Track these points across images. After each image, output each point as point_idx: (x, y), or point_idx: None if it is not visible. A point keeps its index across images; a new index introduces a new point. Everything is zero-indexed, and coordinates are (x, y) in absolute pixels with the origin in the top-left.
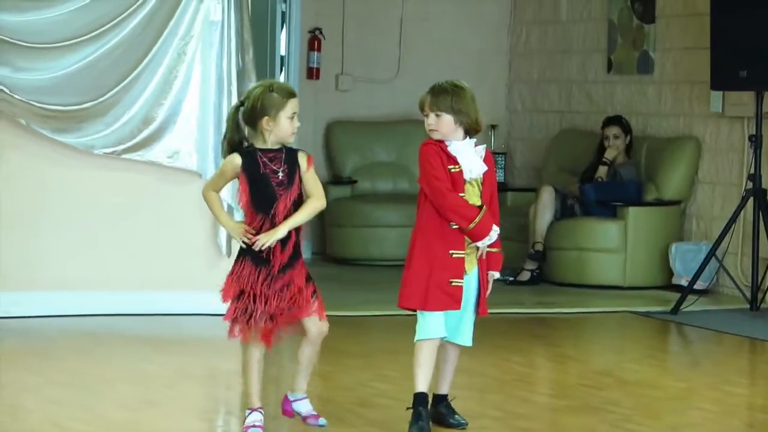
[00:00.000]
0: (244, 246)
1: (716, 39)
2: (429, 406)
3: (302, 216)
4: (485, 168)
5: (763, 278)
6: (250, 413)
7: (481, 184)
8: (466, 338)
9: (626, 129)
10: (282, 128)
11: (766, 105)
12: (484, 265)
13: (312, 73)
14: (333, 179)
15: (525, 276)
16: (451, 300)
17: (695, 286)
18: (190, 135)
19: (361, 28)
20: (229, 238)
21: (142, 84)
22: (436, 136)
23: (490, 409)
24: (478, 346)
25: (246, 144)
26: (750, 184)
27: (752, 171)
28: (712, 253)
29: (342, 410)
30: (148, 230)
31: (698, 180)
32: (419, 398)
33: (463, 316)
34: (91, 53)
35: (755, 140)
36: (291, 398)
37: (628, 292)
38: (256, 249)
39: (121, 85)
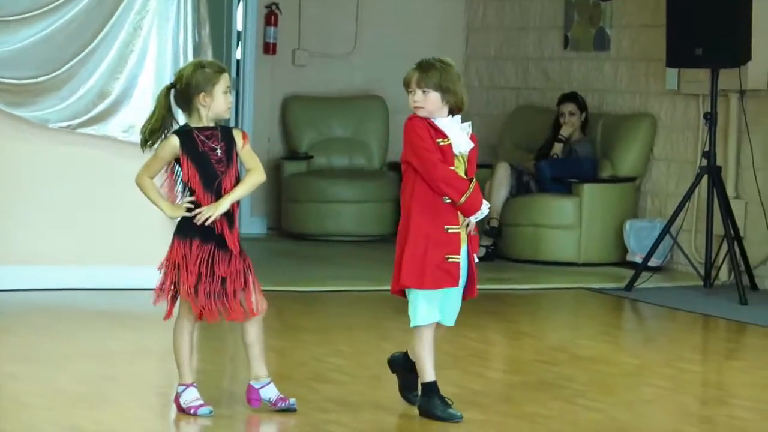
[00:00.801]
0: (192, 218)
1: (672, 16)
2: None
3: (243, 190)
4: (472, 145)
5: (716, 255)
6: (185, 389)
7: (467, 161)
8: (451, 319)
9: (582, 106)
10: (219, 103)
11: (722, 82)
12: (474, 244)
13: (269, 48)
14: (289, 154)
15: (480, 252)
16: (449, 277)
17: (649, 263)
18: (146, 109)
19: (318, 3)
20: None
21: (97, 58)
22: (421, 113)
23: (445, 385)
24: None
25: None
26: (704, 162)
27: (707, 148)
28: (666, 230)
29: (298, 386)
30: (104, 205)
31: (653, 157)
32: (432, 387)
33: (455, 296)
34: (46, 27)
35: (710, 118)
36: (256, 386)
37: (582, 269)
38: (199, 222)
39: (77, 58)
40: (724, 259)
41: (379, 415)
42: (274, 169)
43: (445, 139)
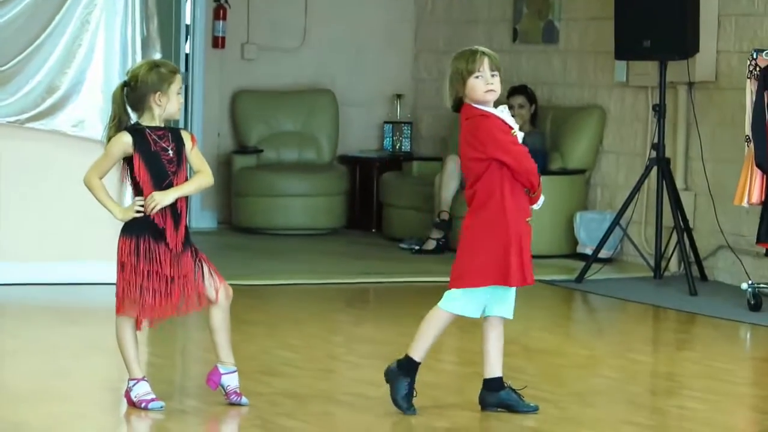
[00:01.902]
0: (141, 216)
1: (620, 9)
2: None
3: (191, 188)
4: (522, 134)
5: (666, 247)
6: (136, 384)
7: None
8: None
9: (531, 98)
10: (173, 103)
11: (670, 75)
12: None
13: (217, 42)
14: (239, 149)
15: (431, 245)
16: (530, 270)
17: (600, 255)
18: (95, 104)
19: None
20: None
21: (45, 52)
22: (492, 97)
23: None
24: (383, 315)
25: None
26: (654, 154)
27: (656, 140)
28: (616, 222)
29: (248, 379)
30: (53, 199)
31: (603, 149)
32: (413, 366)
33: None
34: None
35: (659, 110)
36: (222, 370)
37: (533, 261)
38: (148, 211)
39: (25, 53)
40: (673, 250)
41: (328, 407)
42: (224, 164)
43: (514, 131)
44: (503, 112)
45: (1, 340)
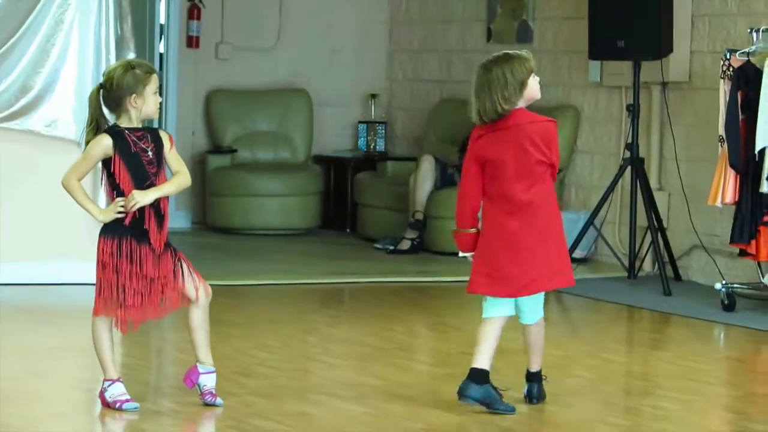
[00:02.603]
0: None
1: (594, 9)
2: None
3: (171, 188)
4: None
5: (640, 247)
6: (111, 384)
7: None
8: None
9: None
10: (149, 104)
11: (644, 75)
12: None
13: (192, 42)
14: (213, 148)
15: (405, 245)
16: None
17: (574, 255)
18: (69, 104)
19: None
20: None
21: (19, 52)
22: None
23: (370, 378)
24: (358, 315)
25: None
26: (628, 154)
27: (630, 140)
28: (590, 222)
29: (223, 379)
30: (27, 199)
31: (577, 149)
32: (483, 375)
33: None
34: None
35: (633, 110)
36: (201, 370)
37: None
38: (128, 207)
39: None
40: (647, 250)
41: (304, 407)
42: (198, 163)
43: None
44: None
45: None
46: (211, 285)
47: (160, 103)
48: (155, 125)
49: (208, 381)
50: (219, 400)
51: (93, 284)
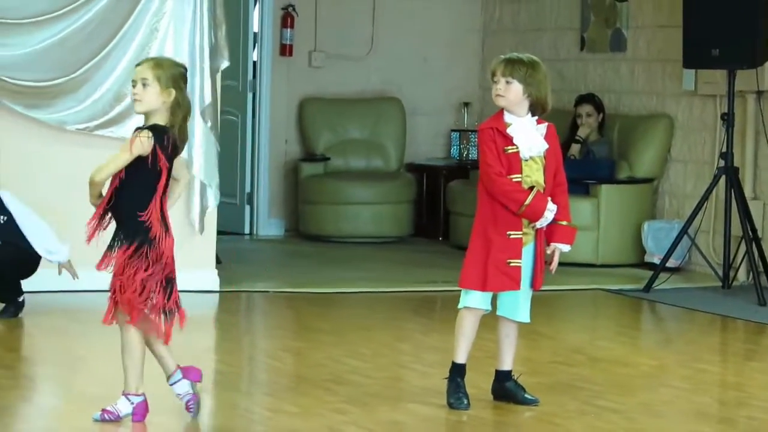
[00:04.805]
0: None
1: (689, 17)
2: (494, 382)
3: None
4: (546, 146)
5: (734, 256)
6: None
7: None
8: (523, 314)
9: (599, 107)
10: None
11: (739, 83)
12: (542, 238)
13: (285, 50)
14: (306, 156)
15: None
16: (510, 280)
17: (668, 264)
18: None
19: (334, 4)
20: (202, 214)
21: (114, 60)
22: (501, 102)
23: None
24: (450, 323)
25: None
26: (722, 162)
27: (724, 149)
28: (684, 231)
29: (315, 387)
30: None
31: (671, 158)
32: (458, 369)
33: (520, 292)
34: (63, 29)
35: (727, 118)
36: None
37: (600, 270)
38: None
39: (94, 61)
40: (742, 260)
41: (396, 416)
42: (291, 171)
43: (513, 147)
44: (526, 123)
45: (73, 346)
46: (303, 293)
47: (254, 110)
48: (249, 135)
49: (181, 388)
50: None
51: (186, 291)
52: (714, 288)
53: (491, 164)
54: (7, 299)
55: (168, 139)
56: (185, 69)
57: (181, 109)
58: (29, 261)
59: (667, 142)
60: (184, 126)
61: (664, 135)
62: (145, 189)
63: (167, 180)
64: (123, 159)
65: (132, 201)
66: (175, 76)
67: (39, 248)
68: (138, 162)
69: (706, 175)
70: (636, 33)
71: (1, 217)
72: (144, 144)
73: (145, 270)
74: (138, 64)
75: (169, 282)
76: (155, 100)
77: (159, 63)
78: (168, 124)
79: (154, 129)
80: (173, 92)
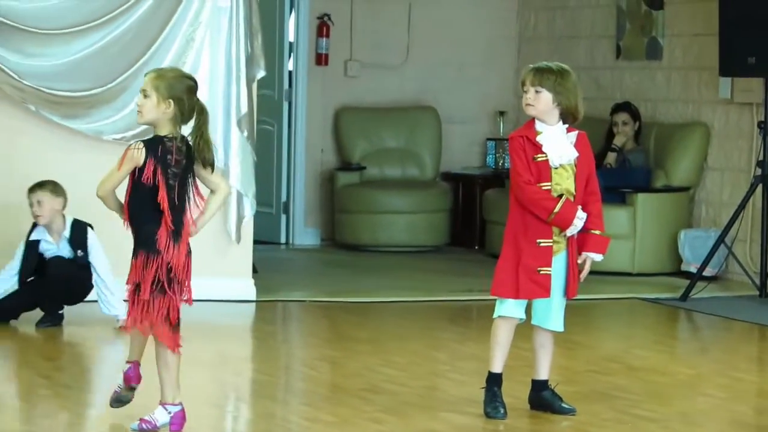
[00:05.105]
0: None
1: (725, 25)
2: (531, 391)
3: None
4: (576, 154)
5: None
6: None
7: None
8: (556, 323)
9: (635, 115)
10: None
11: None
12: (574, 246)
13: (320, 59)
14: (342, 165)
15: None
16: (540, 288)
17: (704, 273)
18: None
19: (369, 13)
20: (239, 223)
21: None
22: (531, 111)
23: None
24: (486, 332)
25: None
26: (759, 171)
27: (761, 157)
28: (721, 240)
29: (351, 396)
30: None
31: (707, 166)
32: (494, 378)
33: (552, 301)
34: (100, 39)
35: (764, 126)
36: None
37: (637, 279)
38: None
39: (130, 70)
40: None
41: (432, 424)
42: (327, 180)
43: (542, 155)
44: (556, 131)
45: (111, 355)
46: (338, 301)
47: (290, 120)
48: (285, 143)
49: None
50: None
51: (223, 300)
52: (751, 297)
53: (520, 173)
54: (49, 313)
55: (163, 151)
56: (192, 81)
57: (183, 119)
58: (82, 293)
59: (703, 150)
60: (201, 137)
61: (701, 143)
62: (146, 201)
63: (169, 191)
64: (116, 172)
65: (138, 212)
66: (176, 87)
67: (102, 300)
68: (138, 174)
69: (742, 183)
70: (672, 41)
71: (79, 251)
72: (135, 156)
73: (152, 281)
74: (145, 75)
75: (169, 290)
76: (153, 112)
77: (160, 74)
78: (171, 135)
79: (149, 141)
80: (172, 104)
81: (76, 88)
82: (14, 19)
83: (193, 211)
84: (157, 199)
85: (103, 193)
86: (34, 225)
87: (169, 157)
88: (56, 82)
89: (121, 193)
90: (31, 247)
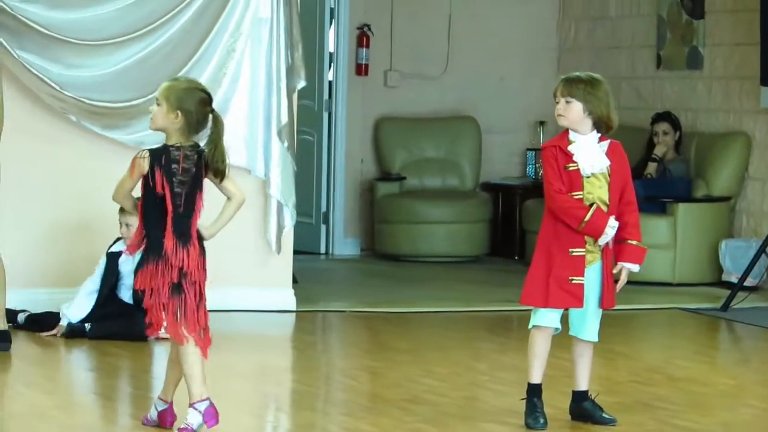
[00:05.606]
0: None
1: (766, 34)
2: (571, 402)
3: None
4: (608, 162)
5: None
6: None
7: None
8: (590, 334)
9: (676, 125)
10: None
11: None
12: (609, 257)
13: (360, 70)
14: (382, 175)
15: None
16: (572, 298)
17: (745, 283)
18: (240, 132)
19: (409, 23)
20: (279, 233)
21: None
22: (563, 122)
23: None
24: (527, 342)
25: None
26: None
27: None
28: (762, 250)
29: (392, 406)
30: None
31: (748, 176)
32: (533, 389)
33: (587, 311)
34: (141, 50)
35: None
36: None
37: (677, 289)
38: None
39: None
40: None
41: None
42: (367, 190)
43: (573, 164)
44: (588, 140)
45: (146, 365)
46: (378, 312)
47: (330, 130)
48: (324, 155)
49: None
50: None
51: (262, 311)
52: None
53: (552, 182)
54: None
55: (167, 160)
56: (205, 93)
57: (192, 129)
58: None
59: (744, 160)
60: (216, 148)
61: (742, 153)
62: (152, 208)
63: (175, 198)
64: (128, 179)
65: (150, 217)
66: (184, 99)
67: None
68: (146, 181)
69: None
70: (713, 51)
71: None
72: (141, 164)
73: (165, 285)
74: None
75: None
76: (162, 120)
77: (172, 85)
78: (179, 144)
79: (154, 150)
80: (180, 114)
81: (116, 98)
82: (56, 30)
83: (201, 216)
84: (163, 205)
85: (116, 200)
86: (118, 238)
87: (174, 165)
88: (97, 93)
89: None
90: (112, 258)
